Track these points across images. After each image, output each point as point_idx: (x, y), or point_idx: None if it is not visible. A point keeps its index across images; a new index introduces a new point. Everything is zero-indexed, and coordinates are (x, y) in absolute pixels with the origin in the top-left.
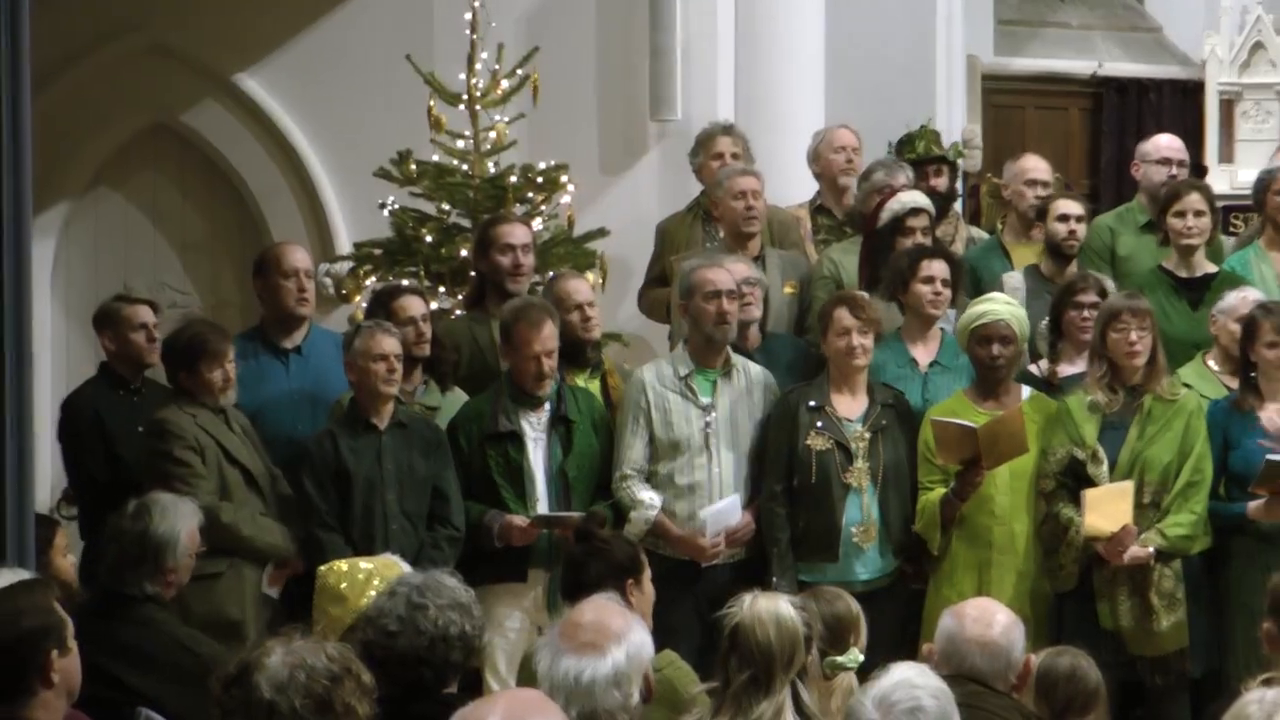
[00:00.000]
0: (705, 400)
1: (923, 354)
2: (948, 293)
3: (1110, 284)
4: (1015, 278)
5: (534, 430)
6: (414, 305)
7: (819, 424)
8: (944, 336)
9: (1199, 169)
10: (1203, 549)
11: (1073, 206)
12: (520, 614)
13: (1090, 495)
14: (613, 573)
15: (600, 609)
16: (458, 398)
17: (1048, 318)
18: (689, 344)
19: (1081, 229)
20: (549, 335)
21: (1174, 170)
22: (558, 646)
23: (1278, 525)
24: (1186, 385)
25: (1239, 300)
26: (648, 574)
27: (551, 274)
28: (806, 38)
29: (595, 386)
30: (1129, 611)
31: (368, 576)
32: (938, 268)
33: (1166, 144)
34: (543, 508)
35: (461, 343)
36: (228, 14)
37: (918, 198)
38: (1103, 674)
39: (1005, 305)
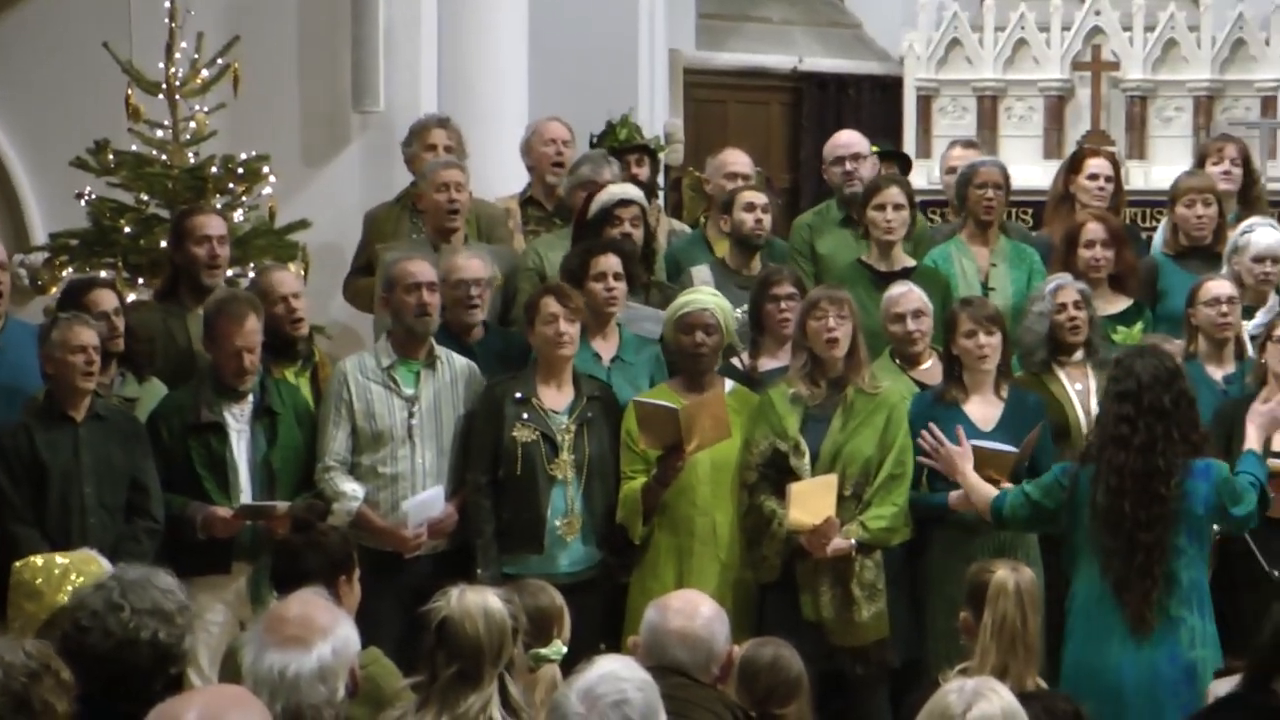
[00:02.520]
0: (408, 391)
1: (605, 349)
2: (621, 286)
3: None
4: (703, 271)
5: (237, 422)
6: (106, 299)
7: (525, 415)
8: (622, 332)
9: (903, 160)
10: (903, 540)
11: (758, 196)
12: (223, 607)
13: (794, 489)
14: (328, 566)
15: (306, 603)
16: (155, 389)
17: (744, 309)
18: (391, 335)
19: (768, 219)
20: (251, 329)
21: (848, 166)
22: (262, 640)
23: (977, 516)
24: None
25: (888, 300)
26: (358, 571)
27: (254, 266)
28: (510, 29)
29: (305, 379)
30: (831, 603)
31: (64, 571)
32: (609, 263)
33: (844, 141)
34: (246, 499)
35: (156, 334)
36: None
37: (627, 189)
38: (804, 664)
39: (710, 295)
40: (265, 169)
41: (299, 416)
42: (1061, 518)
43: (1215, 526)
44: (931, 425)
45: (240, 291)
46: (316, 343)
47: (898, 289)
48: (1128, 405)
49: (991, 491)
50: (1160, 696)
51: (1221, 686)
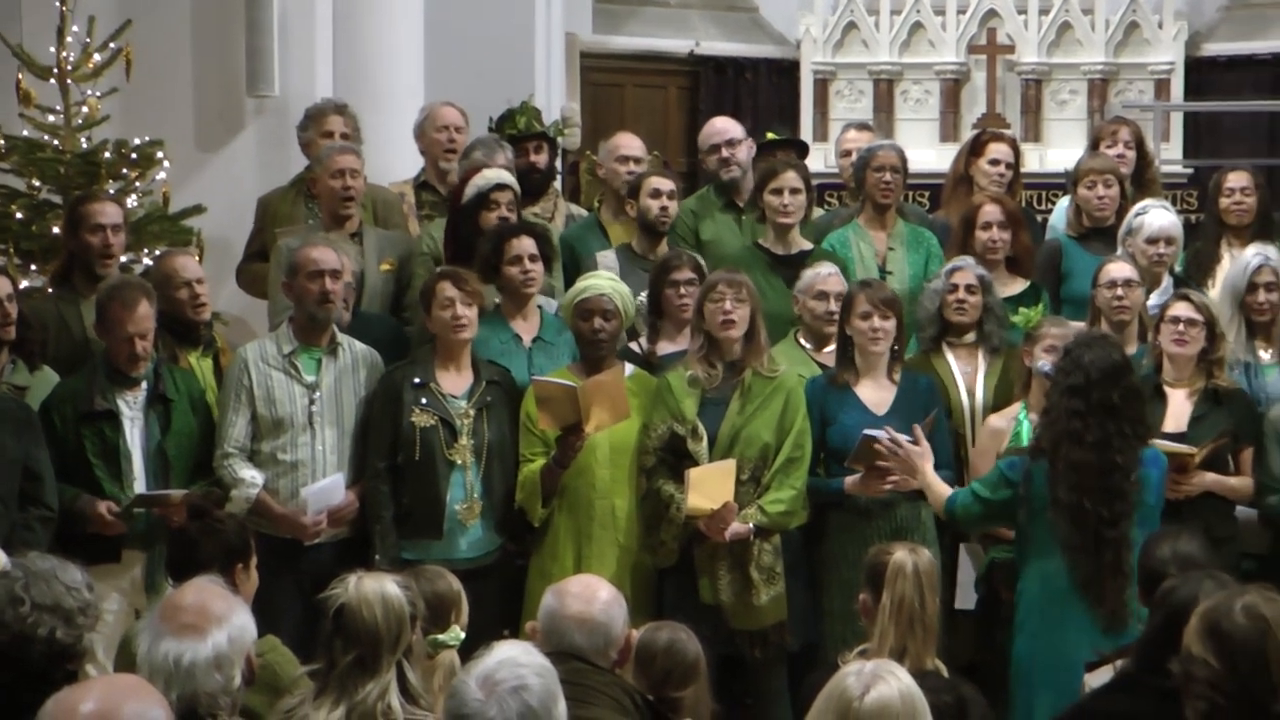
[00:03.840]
0: (310, 378)
1: (525, 330)
2: (537, 267)
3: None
4: (609, 256)
5: (130, 409)
6: None
7: (424, 401)
8: (543, 313)
9: (800, 147)
10: (801, 524)
11: (664, 182)
12: (118, 595)
13: (693, 474)
14: (224, 554)
15: (202, 591)
16: (47, 377)
17: (644, 295)
18: (293, 322)
19: (673, 205)
20: (144, 315)
21: (724, 152)
22: (158, 629)
23: (874, 499)
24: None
25: (814, 277)
26: (255, 559)
27: (147, 252)
28: (406, 14)
29: (207, 365)
30: (729, 586)
31: None
32: (524, 245)
33: (718, 128)
34: (140, 487)
35: (49, 321)
36: None
37: (502, 175)
38: (702, 647)
39: (608, 280)
40: (159, 154)
41: (194, 403)
42: (1014, 513)
43: None
44: (887, 428)
45: (132, 278)
46: (216, 328)
47: (824, 269)
48: (1078, 400)
49: (946, 490)
50: None
51: (1096, 679)
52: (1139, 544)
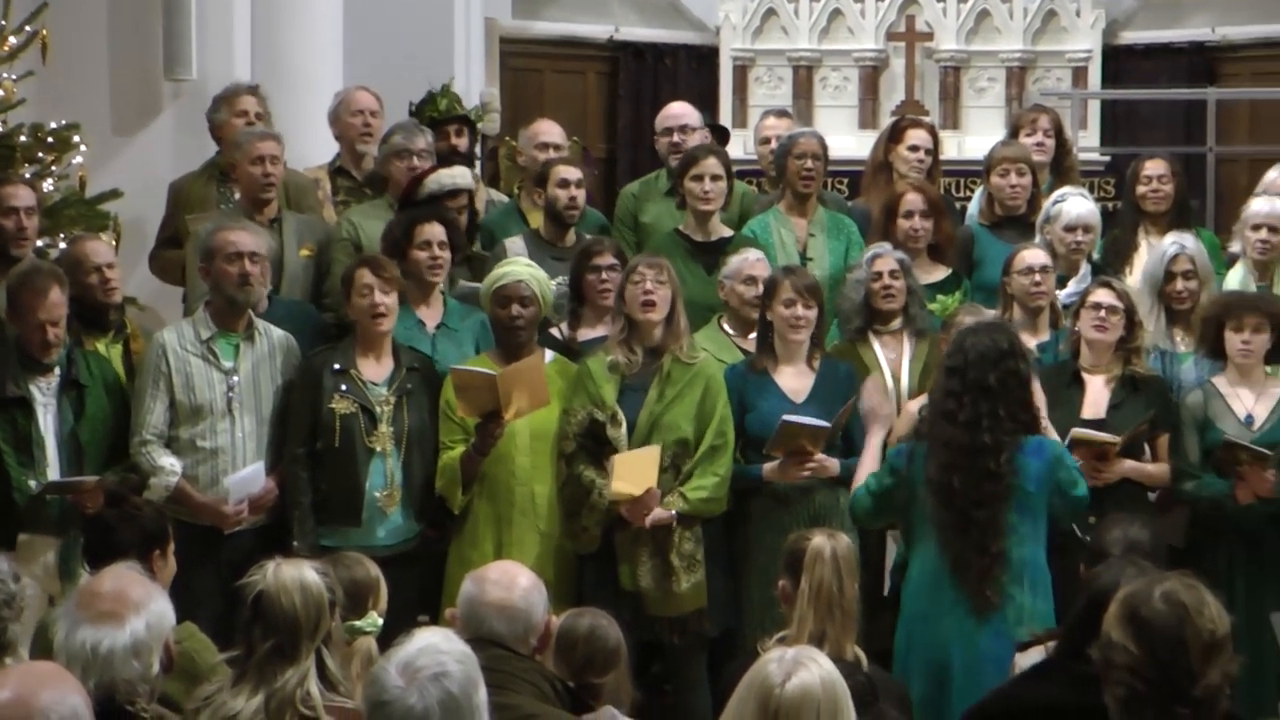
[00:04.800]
0: (228, 364)
1: (429, 316)
2: (445, 255)
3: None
4: (517, 243)
5: (43, 396)
6: None
7: (343, 387)
8: (445, 300)
9: (721, 133)
10: (721, 511)
11: (571, 172)
12: (32, 582)
13: (617, 460)
14: (142, 540)
15: (120, 578)
16: None
17: (559, 281)
18: (210, 307)
19: (581, 195)
20: (56, 302)
21: (675, 137)
22: (75, 616)
23: (793, 486)
24: (705, 349)
25: (741, 263)
26: (173, 545)
27: (64, 236)
28: None
29: (117, 350)
30: (649, 573)
31: None
32: (433, 231)
33: (674, 113)
34: (54, 474)
35: None
36: None
37: (460, 178)
38: (623, 634)
39: (526, 267)
40: (75, 138)
41: (108, 389)
42: (901, 502)
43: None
44: (871, 381)
45: (44, 263)
46: (127, 313)
47: (751, 254)
48: (954, 380)
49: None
50: (984, 674)
51: (1027, 659)
52: (1018, 531)
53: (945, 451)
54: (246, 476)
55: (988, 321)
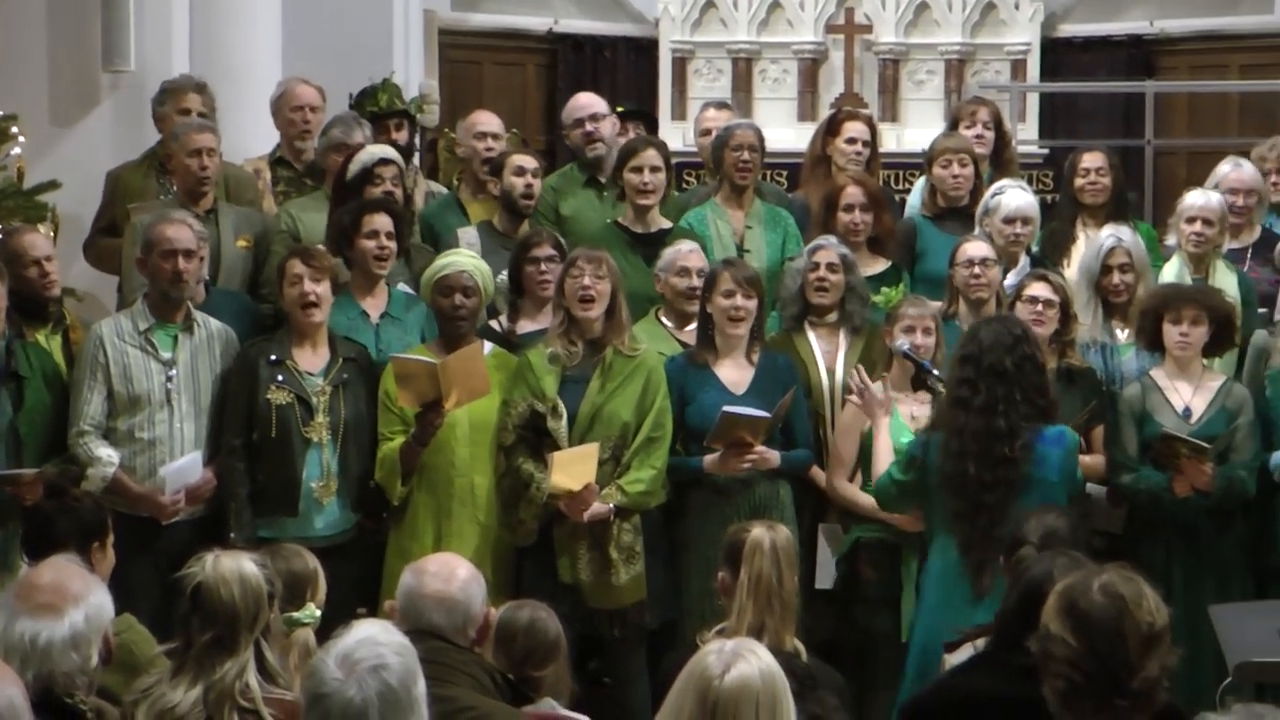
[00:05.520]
0: (166, 355)
1: (373, 306)
2: (392, 245)
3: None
4: (470, 234)
5: None
6: None
7: (280, 378)
8: (390, 290)
9: (648, 120)
10: (660, 503)
11: (528, 160)
12: None
13: (557, 456)
14: (80, 532)
15: (59, 570)
16: None
17: (505, 273)
18: (148, 298)
19: (538, 184)
20: None
21: (588, 127)
22: (13, 608)
23: (732, 478)
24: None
25: (675, 254)
26: (112, 538)
27: (2, 227)
28: None
29: (57, 342)
30: (588, 565)
31: None
32: (381, 221)
33: (582, 104)
34: None
35: None
36: None
37: (385, 149)
38: (562, 626)
39: (468, 257)
40: (14, 129)
41: (48, 380)
42: (920, 488)
43: None
44: (859, 366)
45: None
46: (66, 305)
47: (686, 246)
48: (969, 368)
49: (881, 466)
50: None
51: (956, 658)
52: None
53: (957, 439)
54: (183, 466)
55: (999, 315)
